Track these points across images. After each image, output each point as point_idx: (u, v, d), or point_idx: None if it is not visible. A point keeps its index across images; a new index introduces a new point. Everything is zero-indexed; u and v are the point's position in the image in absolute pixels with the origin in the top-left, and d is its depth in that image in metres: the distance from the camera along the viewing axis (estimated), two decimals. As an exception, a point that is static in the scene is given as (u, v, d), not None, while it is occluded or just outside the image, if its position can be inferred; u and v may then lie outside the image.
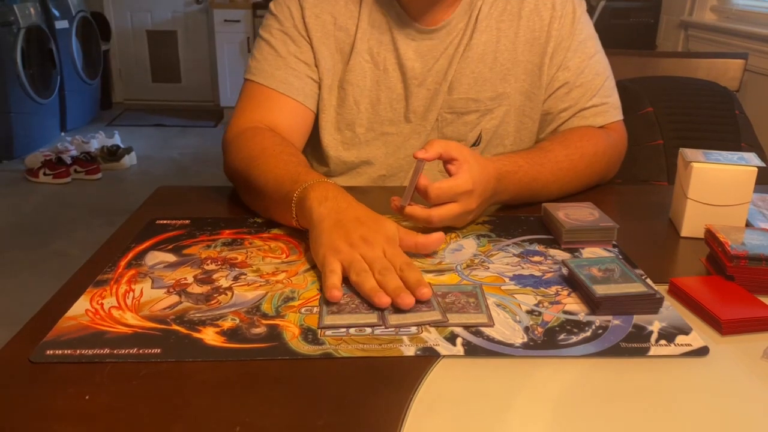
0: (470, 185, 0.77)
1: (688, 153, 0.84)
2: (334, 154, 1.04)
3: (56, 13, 4.20)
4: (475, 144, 1.02)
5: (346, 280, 0.67)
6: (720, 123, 1.42)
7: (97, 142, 3.86)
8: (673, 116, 1.42)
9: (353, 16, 0.99)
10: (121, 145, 3.85)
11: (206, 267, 0.73)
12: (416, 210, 0.77)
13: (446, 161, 0.79)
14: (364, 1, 0.99)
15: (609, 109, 1.01)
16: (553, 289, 0.69)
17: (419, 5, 0.97)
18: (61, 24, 4.23)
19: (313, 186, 0.76)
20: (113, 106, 5.13)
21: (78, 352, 0.57)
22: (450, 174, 0.78)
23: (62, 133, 4.28)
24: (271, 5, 1.02)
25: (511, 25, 0.99)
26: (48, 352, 0.57)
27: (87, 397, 0.51)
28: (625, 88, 1.49)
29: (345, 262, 0.67)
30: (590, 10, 3.15)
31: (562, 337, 0.60)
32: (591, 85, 1.00)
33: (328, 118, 1.03)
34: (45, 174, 3.49)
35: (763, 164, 0.81)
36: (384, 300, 0.62)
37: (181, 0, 5.09)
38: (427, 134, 1.01)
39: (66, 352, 0.57)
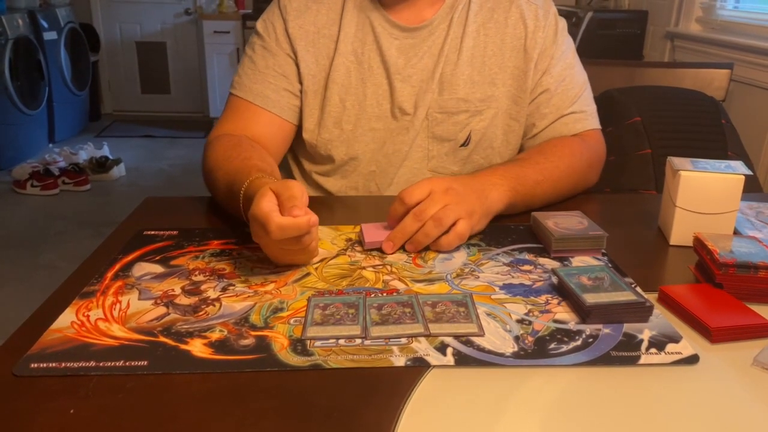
0: (430, 185, 0.80)
1: (676, 162, 0.84)
2: (324, 153, 1.08)
3: (45, 24, 4.18)
4: (465, 144, 1.06)
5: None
6: (707, 132, 1.43)
7: (85, 153, 3.83)
8: (660, 125, 1.43)
9: (335, 23, 1.05)
10: (110, 157, 3.82)
11: (194, 278, 0.72)
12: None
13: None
14: (345, 8, 1.05)
15: (587, 117, 1.07)
16: (543, 298, 0.69)
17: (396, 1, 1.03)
18: (49, 35, 4.21)
19: (253, 182, 0.80)
20: (102, 117, 5.10)
21: (63, 365, 0.56)
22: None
23: (50, 145, 4.25)
24: (258, 24, 1.08)
25: (497, 32, 1.05)
26: (32, 365, 0.56)
27: (71, 411, 0.50)
28: (612, 98, 1.50)
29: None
30: (578, 21, 3.20)
31: (552, 346, 0.60)
32: (570, 94, 1.06)
33: (314, 120, 1.07)
34: (33, 185, 3.46)
35: (750, 172, 0.81)
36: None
37: (171, 11, 5.08)
38: (416, 131, 1.05)
39: (50, 365, 0.56)
